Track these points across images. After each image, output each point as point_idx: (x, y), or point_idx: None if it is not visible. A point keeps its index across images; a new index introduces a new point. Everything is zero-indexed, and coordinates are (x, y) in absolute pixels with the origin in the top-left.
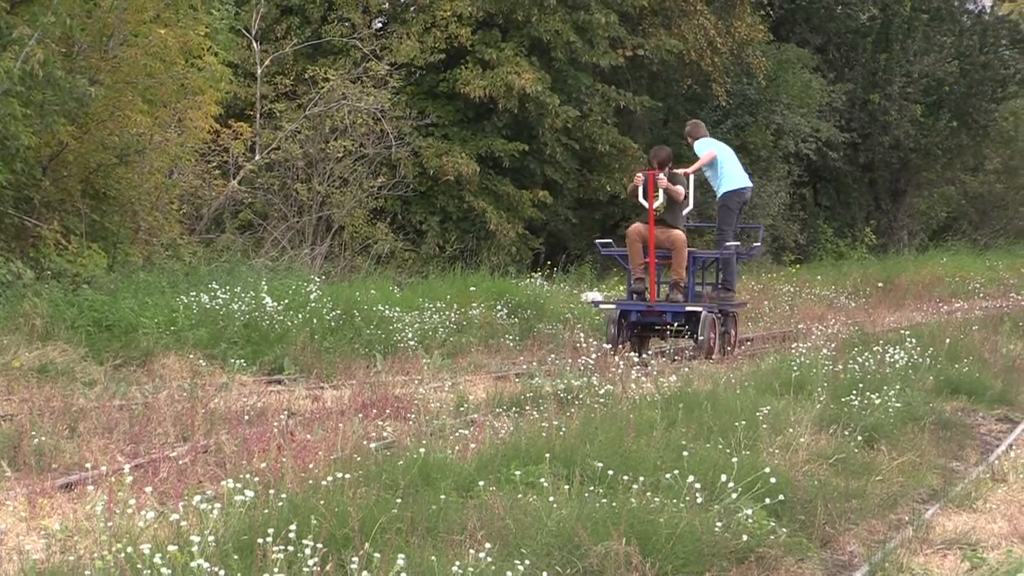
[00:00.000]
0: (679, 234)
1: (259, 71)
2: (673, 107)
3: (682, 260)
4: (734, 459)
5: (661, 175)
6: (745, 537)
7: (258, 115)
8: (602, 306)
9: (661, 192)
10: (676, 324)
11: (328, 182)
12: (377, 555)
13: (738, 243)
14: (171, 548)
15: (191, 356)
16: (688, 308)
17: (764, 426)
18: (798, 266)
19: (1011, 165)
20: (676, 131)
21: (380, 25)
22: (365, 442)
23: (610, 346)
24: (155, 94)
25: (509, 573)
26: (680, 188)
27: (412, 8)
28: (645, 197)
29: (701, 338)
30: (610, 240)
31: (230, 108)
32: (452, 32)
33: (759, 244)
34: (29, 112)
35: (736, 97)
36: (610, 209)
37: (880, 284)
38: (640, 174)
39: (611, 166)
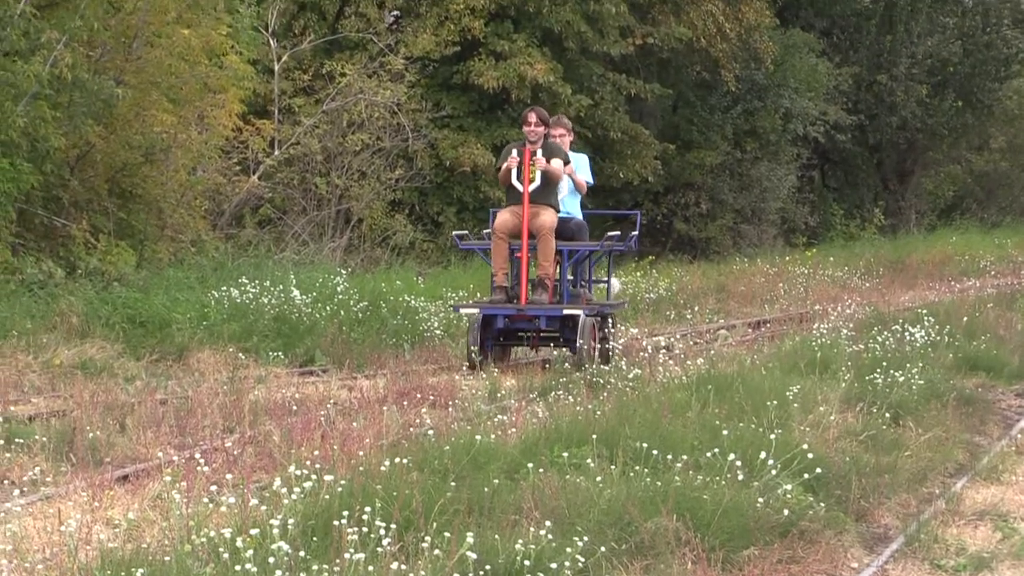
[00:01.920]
0: (546, 220)
1: (277, 67)
2: (683, 93)
3: (549, 251)
4: (771, 436)
5: (539, 153)
6: (786, 512)
7: (277, 111)
8: (463, 311)
9: (539, 173)
10: (549, 331)
11: (346, 175)
12: (447, 534)
13: (617, 232)
14: (253, 531)
15: (228, 350)
16: (566, 311)
17: (795, 405)
18: (813, 250)
19: (1015, 143)
20: (686, 117)
21: (394, 19)
22: (411, 429)
23: (472, 359)
24: (179, 93)
25: (568, 549)
26: (558, 165)
27: (426, 2)
28: (519, 179)
29: (581, 345)
30: (466, 232)
31: (250, 105)
32: (465, 24)
33: (636, 234)
34: (58, 114)
35: (745, 82)
36: (623, 196)
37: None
38: (515, 152)
39: (623, 153)
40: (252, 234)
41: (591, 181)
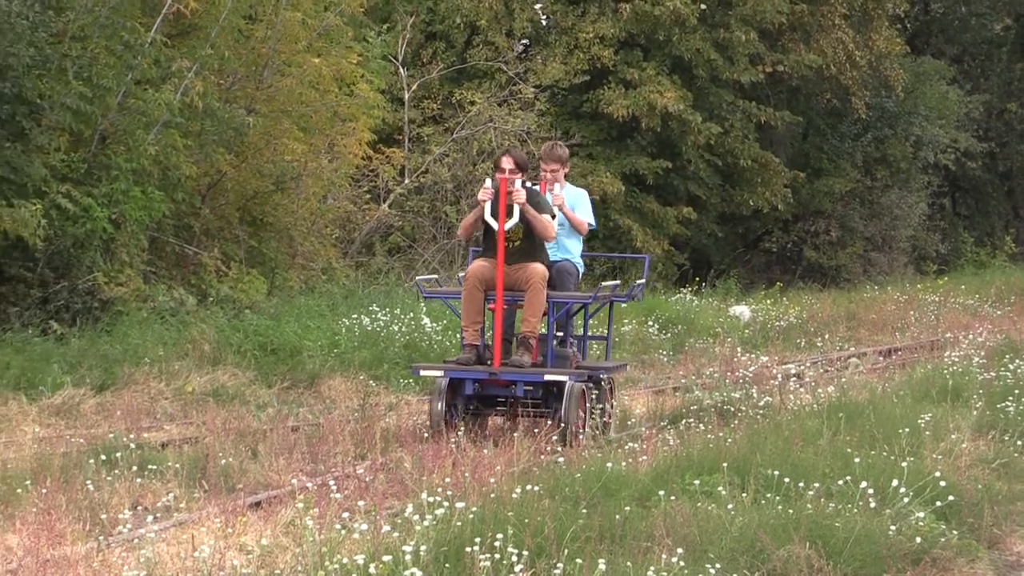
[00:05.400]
0: (538, 268)
1: (407, 96)
2: (813, 121)
3: (537, 304)
4: (904, 464)
5: (518, 183)
6: (918, 539)
7: (406, 139)
8: (424, 373)
9: (516, 209)
10: (530, 399)
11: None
12: (579, 561)
13: (617, 282)
14: (385, 558)
15: (358, 377)
16: (548, 377)
17: (926, 433)
18: (944, 278)
19: None
20: (816, 144)
21: (523, 48)
22: (542, 456)
23: (434, 428)
24: (309, 122)
25: None
26: (546, 219)
27: (554, 30)
28: (494, 215)
29: (565, 419)
30: (434, 276)
31: (379, 133)
32: (595, 53)
33: (643, 282)
34: (189, 143)
35: (875, 110)
36: (753, 223)
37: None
38: (488, 183)
39: (753, 181)
40: (382, 262)
41: (593, 223)
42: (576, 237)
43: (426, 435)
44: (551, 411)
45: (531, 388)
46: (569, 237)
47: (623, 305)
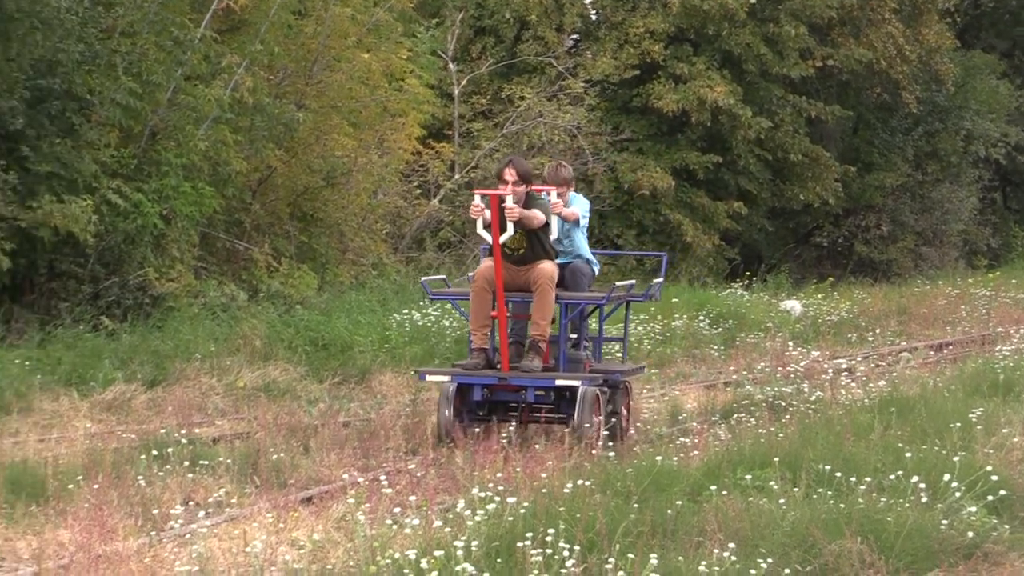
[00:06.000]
0: (546, 268)
1: (456, 91)
2: (863, 115)
3: (546, 306)
4: (955, 459)
5: (509, 199)
6: (970, 534)
7: (456, 134)
8: (430, 378)
9: (510, 223)
10: (542, 404)
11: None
12: (631, 556)
13: (632, 282)
14: (437, 553)
15: (409, 372)
16: (559, 382)
17: (978, 427)
18: (995, 272)
19: None
20: (866, 139)
21: (573, 43)
22: (593, 452)
23: (442, 436)
24: (359, 117)
25: (753, 571)
26: (538, 213)
27: (604, 25)
28: (487, 228)
29: (583, 424)
30: (443, 277)
31: (428, 128)
32: (645, 48)
33: (661, 281)
34: (239, 138)
35: (926, 104)
36: (803, 218)
37: None
38: (478, 198)
39: (804, 175)
40: (432, 257)
41: (581, 218)
42: (578, 231)
43: (437, 444)
44: (564, 417)
45: (542, 393)
46: (572, 234)
47: (659, 301)
